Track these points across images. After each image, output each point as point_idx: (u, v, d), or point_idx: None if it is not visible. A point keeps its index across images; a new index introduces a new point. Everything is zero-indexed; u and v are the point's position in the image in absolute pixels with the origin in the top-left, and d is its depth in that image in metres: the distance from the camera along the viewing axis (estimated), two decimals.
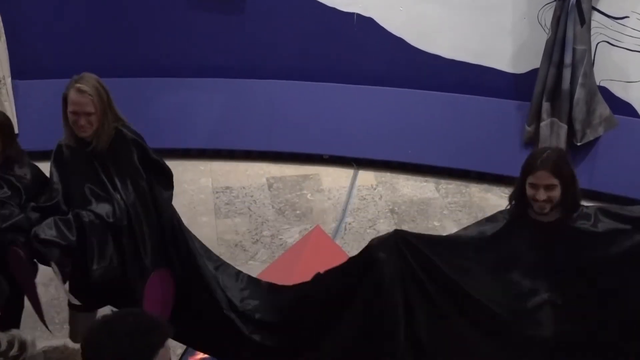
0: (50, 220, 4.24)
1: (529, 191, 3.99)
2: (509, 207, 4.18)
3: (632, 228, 4.04)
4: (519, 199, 4.09)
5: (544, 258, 4.06)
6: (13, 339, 2.80)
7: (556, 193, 3.95)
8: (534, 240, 4.08)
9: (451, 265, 4.12)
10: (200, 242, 4.90)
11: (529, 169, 4.00)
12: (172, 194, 4.66)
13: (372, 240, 4.20)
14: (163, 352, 2.76)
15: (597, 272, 4.03)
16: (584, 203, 4.16)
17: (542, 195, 3.94)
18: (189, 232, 4.82)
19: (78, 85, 4.30)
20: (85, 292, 4.50)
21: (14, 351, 2.75)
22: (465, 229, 4.37)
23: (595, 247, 4.03)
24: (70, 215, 4.28)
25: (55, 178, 4.47)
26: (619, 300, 4.06)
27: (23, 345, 2.78)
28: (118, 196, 4.37)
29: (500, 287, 4.12)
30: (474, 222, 4.37)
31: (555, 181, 3.93)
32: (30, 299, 4.47)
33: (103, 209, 4.33)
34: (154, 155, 4.55)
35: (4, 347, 2.75)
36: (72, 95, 4.31)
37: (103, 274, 4.29)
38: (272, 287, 4.75)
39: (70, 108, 4.34)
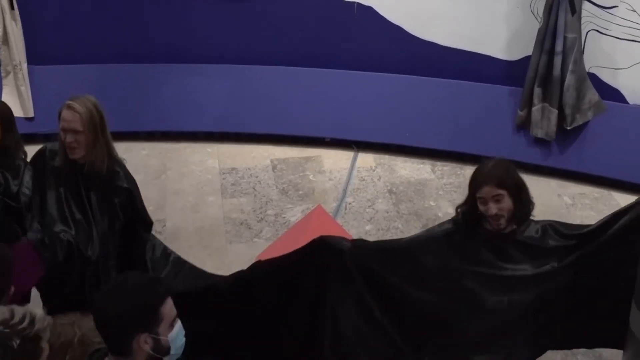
0: (54, 237, 4.29)
1: (481, 207, 3.91)
2: (456, 217, 4.11)
3: (576, 243, 4.02)
4: (469, 212, 4.02)
5: (491, 267, 4.01)
6: (25, 313, 2.80)
7: (506, 204, 3.87)
8: (484, 249, 4.02)
9: (401, 277, 4.12)
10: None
11: (474, 186, 3.93)
12: (148, 237, 4.67)
13: (325, 237, 4.06)
14: (169, 302, 2.87)
15: (541, 283, 4.02)
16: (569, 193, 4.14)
17: (492, 209, 3.87)
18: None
19: (70, 102, 4.20)
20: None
21: (23, 325, 2.76)
22: (417, 235, 4.33)
23: (541, 260, 4.01)
24: (65, 239, 4.29)
25: (30, 184, 4.39)
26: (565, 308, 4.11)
27: (33, 320, 2.78)
28: (95, 230, 4.35)
29: (450, 293, 4.10)
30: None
31: (501, 191, 3.85)
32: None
33: (82, 238, 4.32)
34: (139, 204, 4.53)
35: (16, 319, 2.76)
36: (63, 112, 4.21)
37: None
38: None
39: (60, 125, 4.24)
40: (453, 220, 4.14)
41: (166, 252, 4.94)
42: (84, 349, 3.12)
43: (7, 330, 2.72)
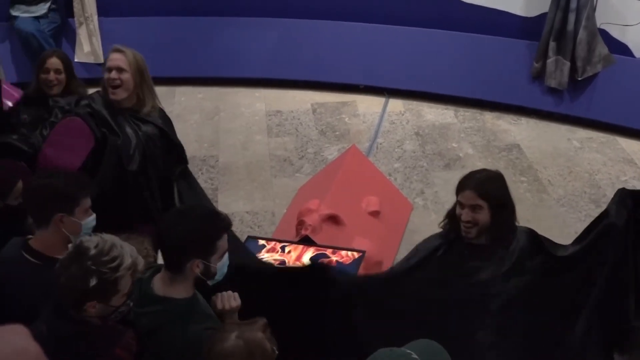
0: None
1: (457, 209, 3.38)
2: (442, 224, 3.53)
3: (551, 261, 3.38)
4: (451, 217, 3.47)
5: (470, 279, 3.38)
6: (118, 255, 2.70)
7: (482, 216, 3.31)
8: (464, 260, 3.40)
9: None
10: None
11: (459, 187, 3.40)
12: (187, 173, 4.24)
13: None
14: (225, 237, 2.94)
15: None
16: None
17: (466, 215, 3.32)
18: None
19: (116, 46, 3.97)
20: None
21: (107, 268, 2.65)
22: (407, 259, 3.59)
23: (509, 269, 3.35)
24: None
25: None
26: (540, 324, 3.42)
27: (118, 267, 2.68)
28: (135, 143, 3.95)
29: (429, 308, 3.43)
30: (485, 147, 3.50)
31: (481, 202, 3.29)
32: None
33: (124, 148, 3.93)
34: (176, 140, 4.14)
35: (107, 258, 2.67)
36: (111, 54, 3.97)
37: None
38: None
39: (106, 65, 3.96)
40: (438, 235, 3.57)
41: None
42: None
43: (93, 267, 2.65)
